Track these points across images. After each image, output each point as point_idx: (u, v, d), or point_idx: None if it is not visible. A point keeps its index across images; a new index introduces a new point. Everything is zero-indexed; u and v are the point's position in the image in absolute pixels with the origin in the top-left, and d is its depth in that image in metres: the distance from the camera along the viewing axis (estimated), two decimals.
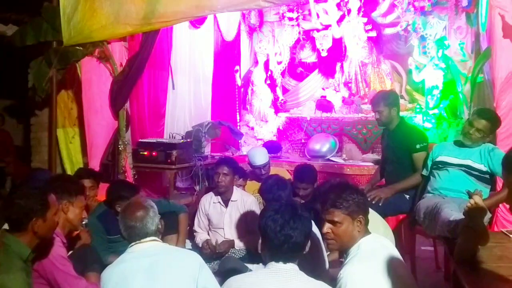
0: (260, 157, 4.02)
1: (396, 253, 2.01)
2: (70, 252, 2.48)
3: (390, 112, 3.44)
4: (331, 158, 5.70)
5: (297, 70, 7.14)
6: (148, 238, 2.10)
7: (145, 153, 4.87)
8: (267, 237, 1.80)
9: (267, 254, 1.81)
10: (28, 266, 2.00)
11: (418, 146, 3.35)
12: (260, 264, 3.00)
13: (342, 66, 6.55)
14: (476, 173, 3.05)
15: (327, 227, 1.97)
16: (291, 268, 1.78)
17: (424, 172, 3.32)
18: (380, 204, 3.19)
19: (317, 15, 6.50)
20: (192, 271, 2.05)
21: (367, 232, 1.99)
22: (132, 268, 2.02)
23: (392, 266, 1.87)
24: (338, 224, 1.94)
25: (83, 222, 2.67)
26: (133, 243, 2.09)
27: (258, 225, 1.88)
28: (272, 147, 5.87)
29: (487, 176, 3.07)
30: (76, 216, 2.45)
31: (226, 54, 6.70)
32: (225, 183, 3.31)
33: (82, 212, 2.45)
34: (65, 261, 2.25)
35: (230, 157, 3.96)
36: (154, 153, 4.84)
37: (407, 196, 3.40)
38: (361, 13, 6.17)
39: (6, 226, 2.12)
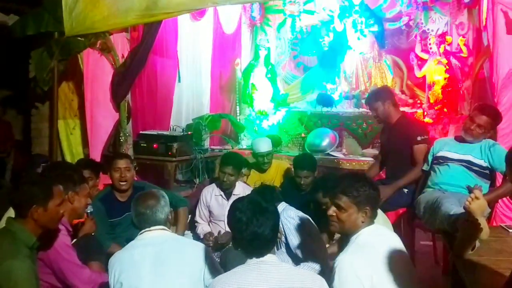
0: (265, 145, 4.07)
1: (396, 244, 2.03)
2: (74, 241, 2.49)
3: (385, 106, 3.47)
4: (331, 153, 5.70)
5: (297, 64, 7.13)
6: (157, 227, 2.16)
7: (146, 145, 4.84)
8: (236, 236, 1.83)
9: (241, 251, 1.83)
10: (33, 254, 2.01)
11: (419, 138, 3.37)
12: None
13: (343, 61, 6.53)
14: (476, 168, 3.07)
15: (332, 209, 2.02)
16: (270, 259, 1.78)
17: (425, 167, 3.34)
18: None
19: (319, 9, 6.48)
20: (199, 260, 2.10)
21: (371, 222, 2.02)
22: (141, 255, 2.07)
23: (387, 256, 1.90)
24: (343, 210, 1.99)
25: (88, 211, 2.68)
26: (142, 231, 2.16)
27: (227, 224, 1.92)
28: (272, 141, 5.85)
29: (487, 171, 3.09)
30: (81, 205, 2.48)
31: (227, 47, 6.66)
32: (230, 181, 3.36)
33: (87, 199, 2.49)
34: (70, 250, 2.28)
35: (234, 154, 3.85)
36: (154, 145, 4.82)
37: (405, 190, 3.42)
38: (363, 7, 6.15)
39: (11, 215, 2.13)
